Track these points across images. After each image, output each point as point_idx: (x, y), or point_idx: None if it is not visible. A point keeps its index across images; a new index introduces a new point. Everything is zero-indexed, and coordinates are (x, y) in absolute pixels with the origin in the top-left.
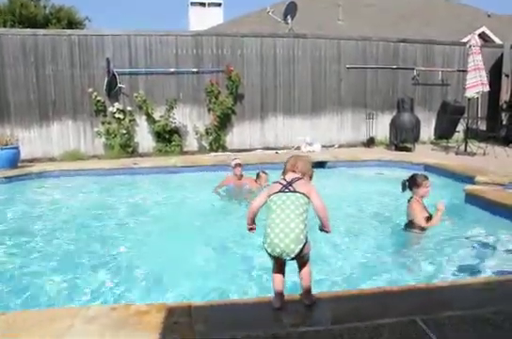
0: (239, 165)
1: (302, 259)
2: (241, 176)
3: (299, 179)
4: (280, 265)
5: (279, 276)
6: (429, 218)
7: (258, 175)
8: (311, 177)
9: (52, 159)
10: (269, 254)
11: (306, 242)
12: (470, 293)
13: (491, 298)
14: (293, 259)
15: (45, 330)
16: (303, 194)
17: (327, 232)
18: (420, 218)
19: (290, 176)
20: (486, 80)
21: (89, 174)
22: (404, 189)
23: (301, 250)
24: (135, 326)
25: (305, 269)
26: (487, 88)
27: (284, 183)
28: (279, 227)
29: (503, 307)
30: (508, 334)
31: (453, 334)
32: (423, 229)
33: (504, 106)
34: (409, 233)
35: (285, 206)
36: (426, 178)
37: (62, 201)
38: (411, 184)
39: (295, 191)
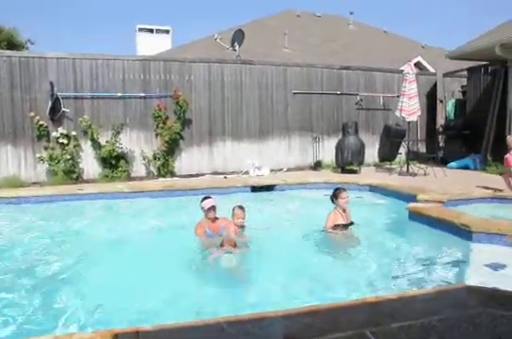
0: (213, 208)
1: None
2: (215, 219)
3: None
4: None
5: None
6: (344, 226)
7: (233, 211)
8: None
9: None
10: None
11: None
12: (416, 303)
13: (436, 308)
14: None
15: None
16: None
17: None
18: (328, 226)
19: None
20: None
21: (29, 202)
22: (332, 201)
23: None
24: None
25: None
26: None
27: None
28: None
29: (446, 315)
30: None
31: None
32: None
33: (440, 130)
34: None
35: None
36: (344, 190)
37: None
38: (332, 196)
39: None
